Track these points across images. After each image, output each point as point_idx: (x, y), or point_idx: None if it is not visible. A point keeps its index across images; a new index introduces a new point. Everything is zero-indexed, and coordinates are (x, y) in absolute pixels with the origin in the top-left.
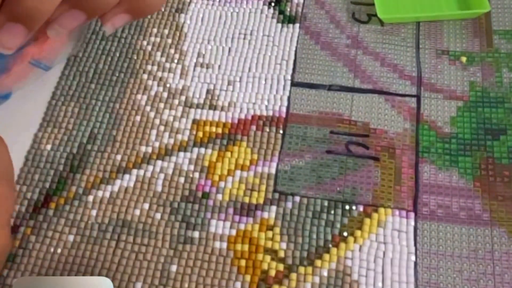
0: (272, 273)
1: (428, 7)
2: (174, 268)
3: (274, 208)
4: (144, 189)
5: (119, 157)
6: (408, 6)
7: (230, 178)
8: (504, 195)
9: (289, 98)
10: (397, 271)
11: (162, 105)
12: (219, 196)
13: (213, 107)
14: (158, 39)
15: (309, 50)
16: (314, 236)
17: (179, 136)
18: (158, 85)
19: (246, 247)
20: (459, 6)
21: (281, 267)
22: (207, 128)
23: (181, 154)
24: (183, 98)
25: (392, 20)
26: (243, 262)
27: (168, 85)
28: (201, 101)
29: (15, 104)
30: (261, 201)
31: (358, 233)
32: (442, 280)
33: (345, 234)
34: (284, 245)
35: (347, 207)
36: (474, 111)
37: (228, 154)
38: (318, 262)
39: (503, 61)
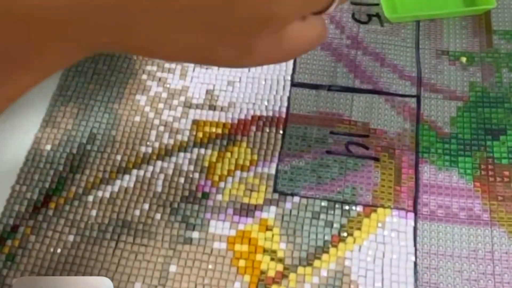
0: (272, 273)
1: (434, 5)
2: (173, 268)
3: (273, 208)
4: (144, 189)
5: (119, 157)
6: (414, 4)
7: (230, 179)
8: (504, 195)
9: (289, 98)
10: (396, 272)
11: (161, 105)
12: (219, 197)
13: (212, 107)
14: None
15: None
16: (314, 236)
17: (179, 137)
18: (158, 86)
19: (245, 247)
20: (464, 3)
21: (280, 267)
22: (207, 129)
23: (181, 154)
24: (182, 98)
25: (400, 20)
26: (242, 263)
27: (167, 86)
28: (201, 101)
29: (15, 104)
30: (261, 201)
31: (357, 233)
32: (442, 280)
33: (344, 234)
34: (283, 246)
35: (346, 207)
36: (474, 111)
37: (228, 154)
38: (317, 263)
39: (503, 61)
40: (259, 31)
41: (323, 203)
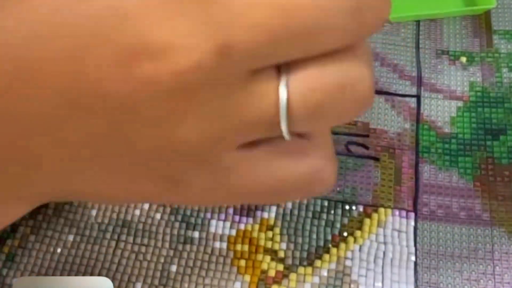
0: (272, 273)
1: (434, 4)
2: (174, 268)
3: (274, 208)
4: None
5: None
6: (414, 4)
7: None
8: (504, 195)
9: None
10: (397, 271)
11: None
12: None
13: None
14: None
15: None
16: (314, 236)
17: None
18: None
19: (246, 247)
20: (464, 3)
21: (280, 267)
22: None
23: None
24: None
25: (400, 19)
26: (243, 262)
27: None
28: None
29: None
30: None
31: (358, 233)
32: (442, 280)
33: (345, 234)
34: (284, 245)
35: (347, 207)
36: (474, 111)
37: None
38: (318, 262)
39: (503, 61)
40: (180, 163)
41: (324, 203)
